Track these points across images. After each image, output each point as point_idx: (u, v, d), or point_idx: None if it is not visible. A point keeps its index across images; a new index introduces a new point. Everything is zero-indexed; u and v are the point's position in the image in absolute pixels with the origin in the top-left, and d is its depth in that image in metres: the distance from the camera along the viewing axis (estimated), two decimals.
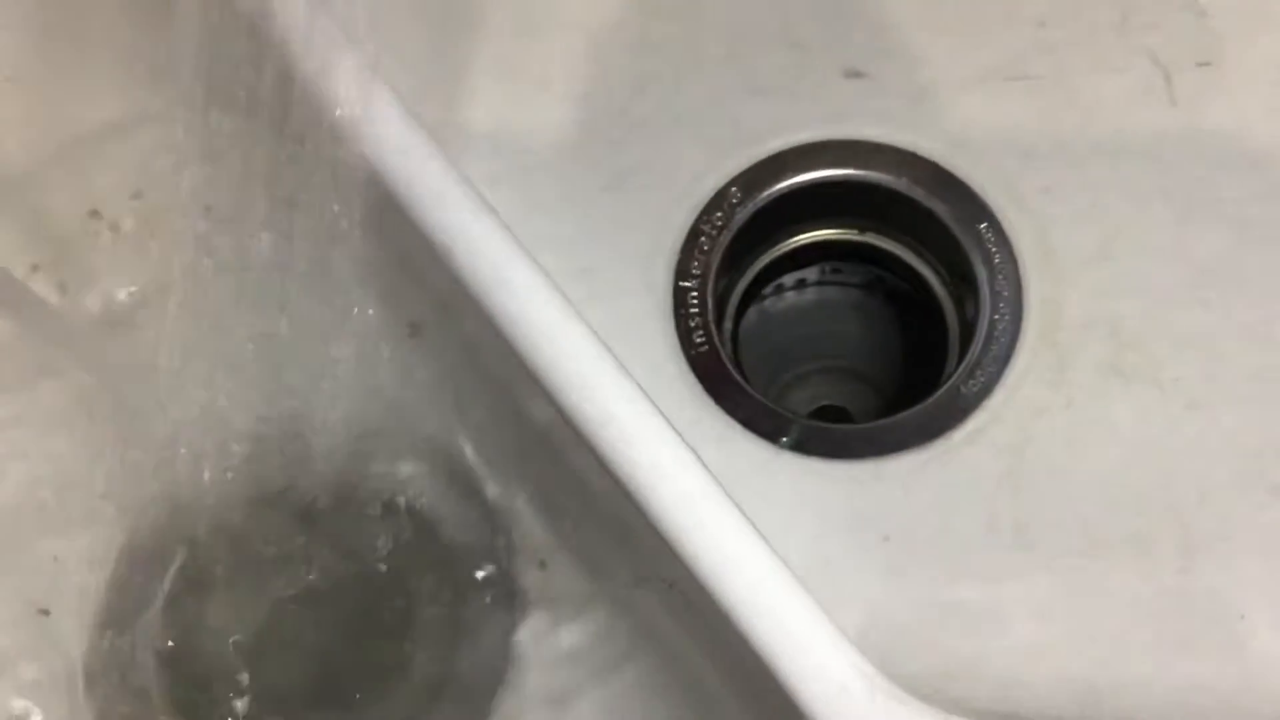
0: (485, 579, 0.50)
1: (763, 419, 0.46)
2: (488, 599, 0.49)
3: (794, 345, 0.59)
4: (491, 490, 0.51)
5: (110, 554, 0.50)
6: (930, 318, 0.52)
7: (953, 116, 0.49)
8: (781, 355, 0.59)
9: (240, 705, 0.47)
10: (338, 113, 0.38)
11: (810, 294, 0.58)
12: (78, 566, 0.50)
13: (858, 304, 0.57)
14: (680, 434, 0.35)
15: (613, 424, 0.34)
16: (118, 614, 0.50)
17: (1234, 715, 0.41)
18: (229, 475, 0.47)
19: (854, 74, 0.50)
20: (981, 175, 0.48)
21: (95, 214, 0.55)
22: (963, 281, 0.49)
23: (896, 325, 0.57)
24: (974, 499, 0.44)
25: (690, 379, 0.46)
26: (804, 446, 0.45)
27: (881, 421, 0.46)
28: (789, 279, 0.56)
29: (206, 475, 0.47)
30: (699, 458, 0.35)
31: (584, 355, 0.34)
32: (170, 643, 0.48)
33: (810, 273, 0.56)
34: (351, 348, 0.45)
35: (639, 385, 0.35)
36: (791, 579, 0.33)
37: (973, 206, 0.48)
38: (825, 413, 0.60)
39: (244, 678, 0.47)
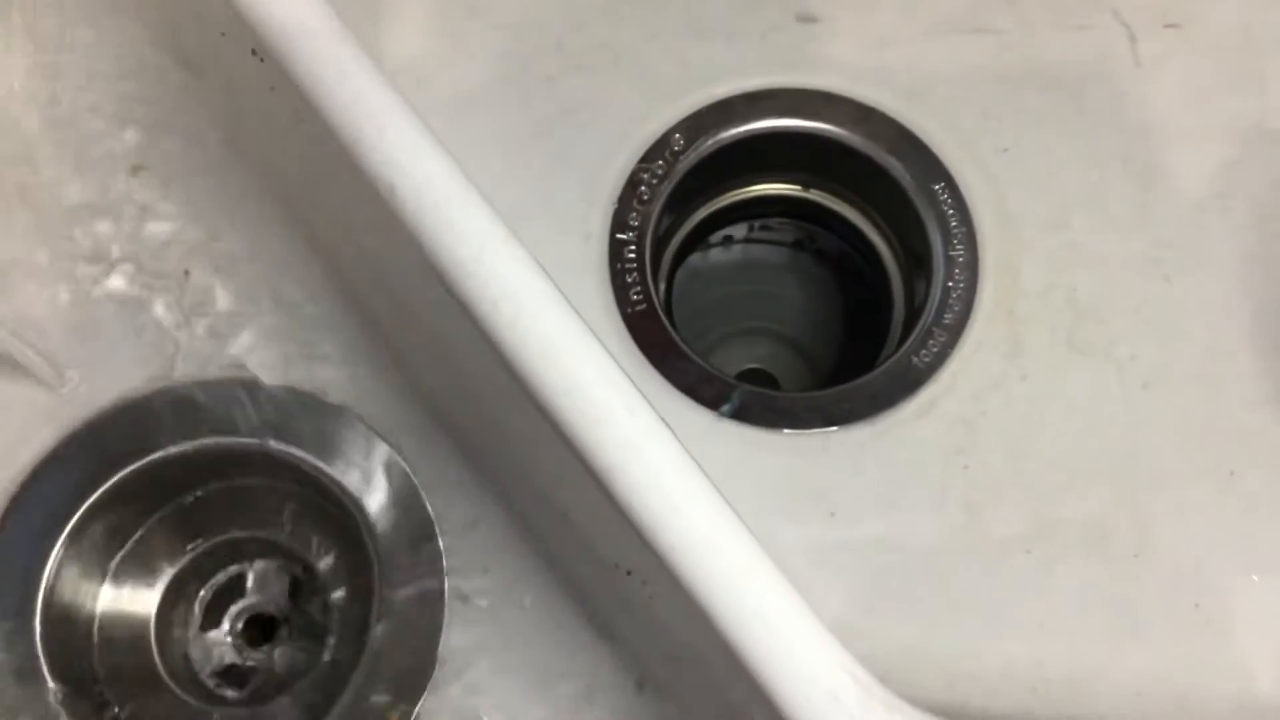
0: None
1: (702, 385, 0.42)
2: None
3: (719, 305, 0.56)
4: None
5: None
6: (869, 282, 0.50)
7: (910, 68, 0.46)
8: (707, 315, 0.56)
9: None
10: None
11: (737, 251, 0.55)
12: None
13: (788, 263, 0.54)
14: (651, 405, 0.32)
15: (576, 392, 0.30)
16: None
17: (1188, 707, 0.39)
18: None
19: (807, 18, 0.46)
20: (939, 132, 0.45)
21: None
22: (913, 244, 0.46)
23: (830, 287, 0.54)
24: (924, 475, 0.42)
25: (627, 340, 0.43)
26: (746, 415, 0.42)
27: (829, 390, 0.43)
28: (716, 236, 0.53)
29: None
30: (675, 434, 0.31)
31: (547, 314, 0.31)
32: None
33: (738, 229, 0.53)
34: None
35: (608, 350, 0.31)
36: (776, 573, 0.30)
37: (929, 165, 0.45)
38: (750, 378, 0.57)
39: None
